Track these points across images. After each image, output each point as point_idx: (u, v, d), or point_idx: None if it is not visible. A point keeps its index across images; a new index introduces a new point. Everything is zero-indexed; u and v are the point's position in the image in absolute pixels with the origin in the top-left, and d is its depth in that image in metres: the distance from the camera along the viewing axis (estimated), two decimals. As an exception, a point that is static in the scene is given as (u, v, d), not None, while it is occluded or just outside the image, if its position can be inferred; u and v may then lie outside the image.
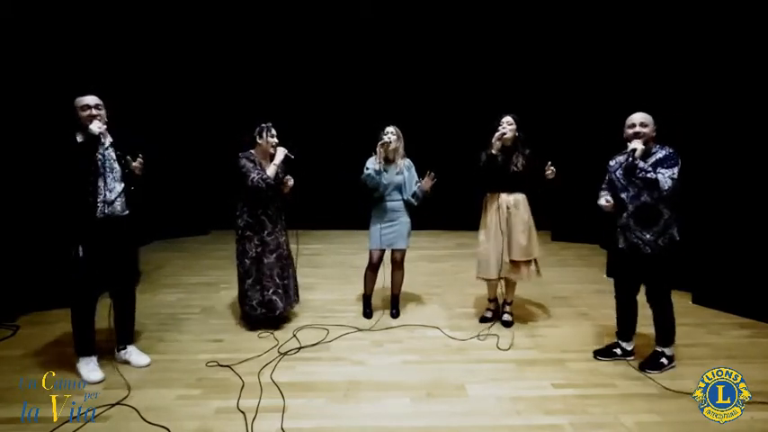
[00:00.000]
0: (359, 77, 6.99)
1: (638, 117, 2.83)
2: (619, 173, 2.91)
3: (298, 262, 3.76)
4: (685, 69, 4.56)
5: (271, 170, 3.34)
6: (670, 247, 2.83)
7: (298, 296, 3.73)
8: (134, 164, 2.90)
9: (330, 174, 6.83)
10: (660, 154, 2.79)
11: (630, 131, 2.82)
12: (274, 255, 3.46)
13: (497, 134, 3.41)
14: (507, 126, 3.44)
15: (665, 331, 2.96)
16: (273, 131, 3.42)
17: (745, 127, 3.86)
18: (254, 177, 3.27)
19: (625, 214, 2.88)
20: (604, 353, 3.13)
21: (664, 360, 2.97)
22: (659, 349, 3.00)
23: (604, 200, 2.97)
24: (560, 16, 6.36)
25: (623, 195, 2.90)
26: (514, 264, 3.51)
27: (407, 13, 6.79)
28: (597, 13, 5.92)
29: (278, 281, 3.49)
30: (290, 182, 3.56)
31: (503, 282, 3.65)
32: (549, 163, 3.33)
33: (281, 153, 3.38)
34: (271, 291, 3.46)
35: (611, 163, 3.01)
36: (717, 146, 4.05)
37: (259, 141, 3.41)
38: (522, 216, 3.47)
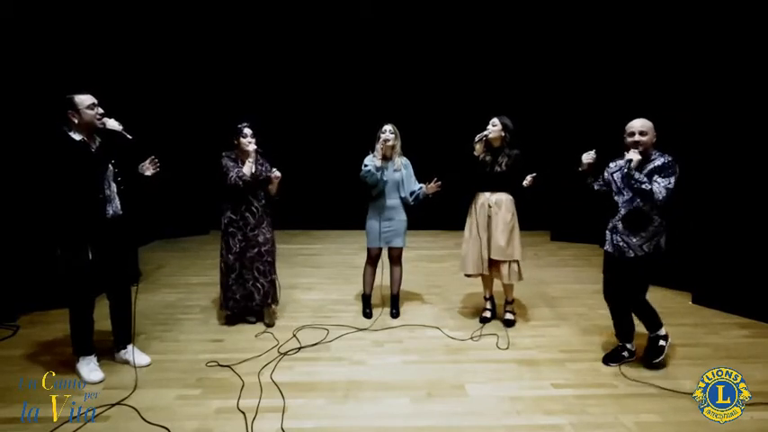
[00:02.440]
0: (358, 77, 6.99)
1: (637, 125, 2.77)
2: (617, 176, 2.92)
3: (297, 262, 3.76)
4: (683, 69, 4.56)
5: (246, 168, 3.38)
6: (654, 254, 2.83)
7: (277, 298, 3.73)
8: (146, 165, 2.95)
9: (329, 175, 6.81)
10: (658, 161, 2.74)
11: (630, 140, 2.78)
12: (256, 250, 3.52)
13: (478, 136, 3.48)
14: (491, 127, 3.48)
15: (650, 320, 3.00)
16: (246, 131, 3.44)
17: (745, 127, 3.86)
18: (232, 176, 3.36)
19: (617, 217, 2.90)
20: (614, 358, 3.09)
21: (662, 342, 2.99)
22: (653, 335, 3.01)
23: (589, 156, 2.98)
24: (560, 16, 6.36)
25: (617, 198, 2.91)
26: (494, 263, 3.53)
27: (407, 13, 6.79)
28: (598, 13, 5.92)
29: (257, 275, 3.54)
30: (276, 173, 3.54)
31: (499, 281, 3.65)
32: (535, 174, 3.38)
33: (251, 151, 3.40)
34: (251, 283, 3.53)
35: (611, 165, 3.00)
36: (716, 146, 4.06)
37: (235, 142, 3.47)
38: (504, 216, 3.49)
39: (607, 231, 2.97)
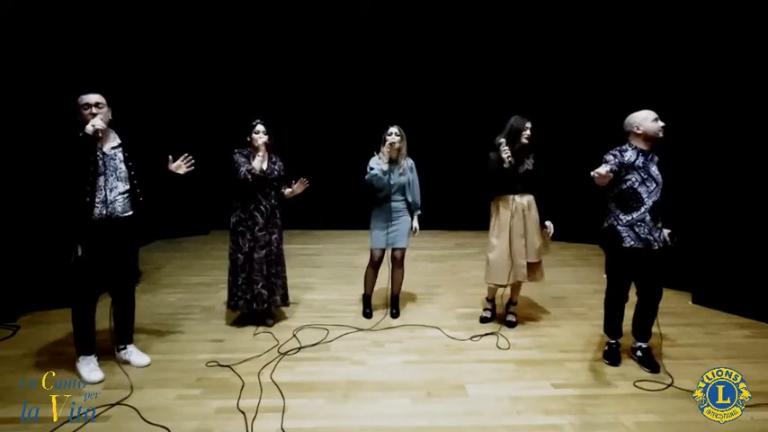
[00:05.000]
0: (359, 76, 6.98)
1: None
2: (638, 164, 2.82)
3: (297, 262, 3.75)
4: (685, 69, 4.56)
5: (255, 163, 3.38)
6: (665, 244, 2.91)
7: (287, 299, 3.73)
8: (178, 164, 2.94)
9: (329, 174, 6.82)
10: (657, 158, 2.91)
11: (660, 124, 2.83)
12: (264, 251, 3.50)
13: (506, 155, 3.29)
14: (529, 131, 3.38)
15: (651, 325, 3.01)
16: (258, 128, 3.43)
17: (745, 127, 3.86)
18: (242, 171, 3.35)
19: (643, 208, 2.83)
20: (614, 357, 3.06)
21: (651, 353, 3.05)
22: (646, 345, 3.03)
23: (608, 168, 2.67)
24: (564, 13, 6.34)
25: (640, 189, 2.83)
26: (529, 266, 3.48)
27: (407, 10, 6.77)
28: (601, 11, 5.92)
29: (266, 276, 3.52)
30: (296, 188, 3.56)
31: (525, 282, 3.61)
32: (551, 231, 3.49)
33: (260, 145, 3.39)
34: (260, 285, 3.50)
35: (625, 155, 2.85)
36: (717, 146, 4.06)
37: (249, 139, 3.46)
38: (535, 216, 3.48)
39: (623, 228, 2.86)
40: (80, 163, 2.63)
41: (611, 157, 2.86)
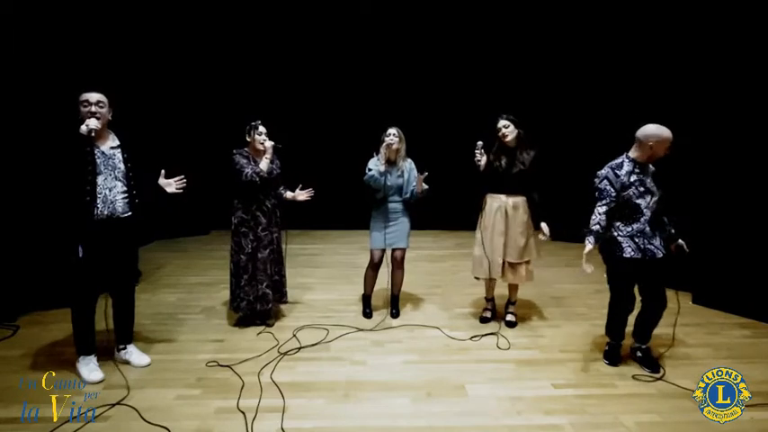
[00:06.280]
0: (359, 76, 6.98)
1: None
2: (634, 179, 2.81)
3: (297, 262, 3.75)
4: (683, 70, 4.56)
5: (263, 164, 3.38)
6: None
7: (286, 295, 3.76)
8: (169, 182, 2.93)
9: (330, 174, 6.82)
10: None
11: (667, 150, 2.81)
12: (267, 250, 3.51)
13: (478, 158, 3.41)
14: (504, 130, 3.40)
15: (652, 330, 3.03)
16: (261, 129, 3.44)
17: (745, 127, 3.86)
18: (247, 172, 3.34)
19: (643, 219, 2.85)
20: (614, 357, 3.07)
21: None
22: (645, 346, 3.04)
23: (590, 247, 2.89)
24: (563, 13, 6.35)
25: (639, 201, 2.83)
26: (511, 265, 3.51)
27: (407, 10, 6.77)
28: (601, 13, 5.92)
29: (271, 275, 3.53)
30: (298, 194, 3.62)
31: (504, 282, 3.65)
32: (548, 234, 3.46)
33: (269, 146, 3.41)
34: (264, 284, 3.50)
35: (619, 173, 2.83)
36: (717, 146, 4.06)
37: (248, 140, 3.46)
38: (522, 218, 3.47)
39: (624, 238, 2.87)
40: (78, 162, 2.63)
41: (606, 186, 2.85)
